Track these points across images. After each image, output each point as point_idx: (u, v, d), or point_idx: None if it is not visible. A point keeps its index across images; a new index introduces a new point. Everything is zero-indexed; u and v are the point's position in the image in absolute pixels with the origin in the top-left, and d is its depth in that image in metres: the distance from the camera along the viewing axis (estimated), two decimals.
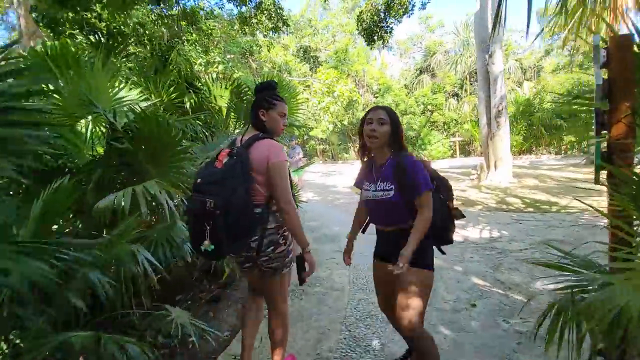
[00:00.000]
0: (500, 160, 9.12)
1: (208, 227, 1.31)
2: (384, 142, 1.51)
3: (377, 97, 22.48)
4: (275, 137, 1.61)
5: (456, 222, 1.66)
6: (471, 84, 18.82)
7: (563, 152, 15.06)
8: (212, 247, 1.33)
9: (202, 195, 1.35)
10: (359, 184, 1.71)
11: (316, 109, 11.68)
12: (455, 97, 19.97)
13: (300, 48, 25.00)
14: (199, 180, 1.42)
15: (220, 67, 9.45)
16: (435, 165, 16.49)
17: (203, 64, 8.60)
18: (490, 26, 9.00)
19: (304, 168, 9.09)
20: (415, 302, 1.42)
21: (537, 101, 14.86)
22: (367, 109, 2.05)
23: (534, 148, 15.97)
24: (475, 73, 19.65)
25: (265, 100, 1.58)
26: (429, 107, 19.49)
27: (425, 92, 19.73)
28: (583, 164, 11.10)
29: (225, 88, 3.96)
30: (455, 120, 19.00)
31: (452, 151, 19.39)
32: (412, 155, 1.53)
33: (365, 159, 1.68)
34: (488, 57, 8.86)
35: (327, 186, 10.89)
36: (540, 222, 4.66)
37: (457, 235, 4.04)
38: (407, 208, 1.46)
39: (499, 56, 8.78)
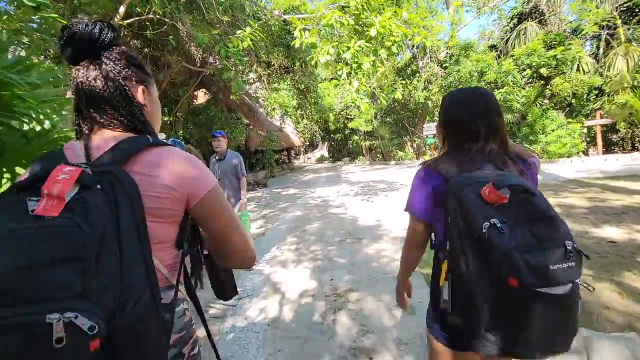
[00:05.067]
0: None
1: None
2: None
3: (446, 67, 15.70)
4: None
5: None
6: (627, 25, 11.13)
7: None
8: None
9: (24, 306, 0.45)
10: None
11: (340, 73, 5.85)
12: (594, 55, 12.34)
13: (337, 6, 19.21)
14: None
15: None
16: (558, 170, 9.54)
17: None
18: None
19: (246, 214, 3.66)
20: None
21: None
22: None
23: None
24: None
25: (138, 66, 0.78)
26: (543, 70, 12.20)
27: (534, 46, 12.46)
28: None
29: None
30: (598, 88, 11.50)
31: (586, 143, 11.94)
32: (426, 162, 1.10)
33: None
34: None
35: (359, 229, 5.09)
36: None
37: None
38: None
39: None
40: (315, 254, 4.33)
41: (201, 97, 13.68)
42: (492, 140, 1.01)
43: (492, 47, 16.28)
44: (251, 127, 14.33)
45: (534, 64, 12.34)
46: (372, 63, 5.59)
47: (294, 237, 5.24)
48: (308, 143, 31.52)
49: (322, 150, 31.60)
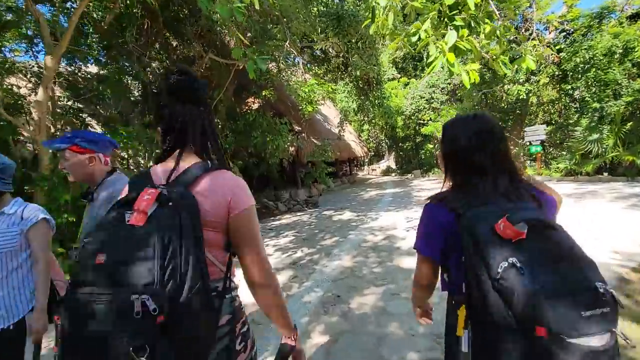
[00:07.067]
0: None
1: (147, 351, 0.67)
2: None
3: (562, 48, 11.72)
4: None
5: None
6: None
7: None
8: None
9: (117, 288, 0.71)
10: None
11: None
12: None
13: None
14: (100, 258, 0.74)
15: None
16: None
17: None
18: None
19: None
20: None
21: None
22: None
23: None
24: None
25: (206, 99, 1.06)
26: None
27: None
28: None
29: None
30: None
31: None
32: (433, 197, 1.06)
33: None
34: None
35: None
36: None
37: None
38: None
39: None
40: None
41: (256, 104, 12.21)
42: (501, 171, 0.95)
43: (634, 17, 11.70)
44: (303, 135, 12.33)
45: None
46: (480, 3, 2.94)
47: (326, 332, 2.75)
48: (373, 153, 28.70)
49: (389, 161, 28.45)
